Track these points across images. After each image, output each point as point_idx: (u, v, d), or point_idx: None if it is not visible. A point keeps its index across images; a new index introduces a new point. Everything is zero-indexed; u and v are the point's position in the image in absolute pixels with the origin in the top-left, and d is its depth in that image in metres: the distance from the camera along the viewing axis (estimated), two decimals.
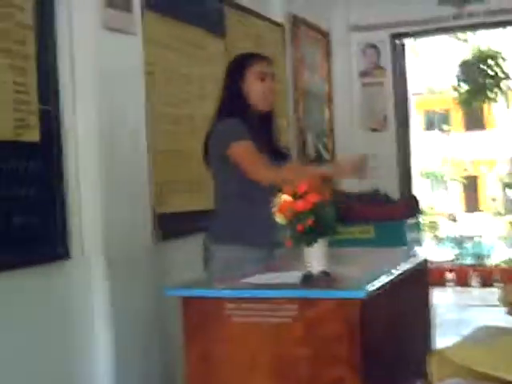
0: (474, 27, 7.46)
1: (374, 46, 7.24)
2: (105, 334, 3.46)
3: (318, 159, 6.65)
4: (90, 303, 3.47)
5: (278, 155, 3.34)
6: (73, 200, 3.42)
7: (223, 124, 3.22)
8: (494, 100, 12.83)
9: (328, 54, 7.04)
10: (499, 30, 9.21)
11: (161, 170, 4.06)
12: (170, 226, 4.08)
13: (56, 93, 3.36)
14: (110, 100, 3.58)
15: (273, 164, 3.16)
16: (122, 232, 3.60)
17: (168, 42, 4.29)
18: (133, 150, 3.76)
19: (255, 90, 3.25)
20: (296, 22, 6.27)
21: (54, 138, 3.32)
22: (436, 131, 24.23)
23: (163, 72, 4.23)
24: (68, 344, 3.36)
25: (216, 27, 4.86)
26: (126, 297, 3.55)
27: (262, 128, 3.31)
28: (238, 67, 3.30)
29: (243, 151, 3.13)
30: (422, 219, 6.65)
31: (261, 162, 3.13)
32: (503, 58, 12.41)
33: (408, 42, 7.54)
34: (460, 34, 12.27)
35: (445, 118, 24.32)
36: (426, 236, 9.75)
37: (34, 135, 3.21)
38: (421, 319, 3.47)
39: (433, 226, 10.23)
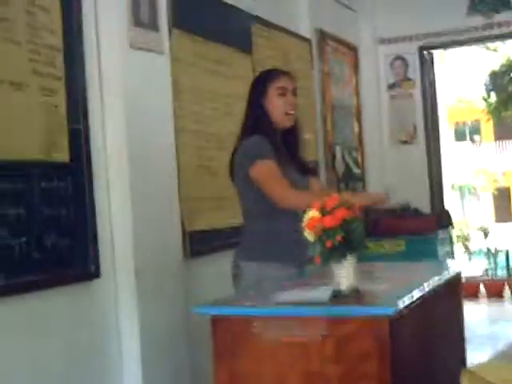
0: (503, 37, 7.39)
1: (401, 58, 7.22)
2: (133, 352, 3.48)
3: (348, 174, 6.63)
4: (119, 320, 3.49)
5: (303, 170, 3.37)
6: (103, 219, 3.44)
7: (247, 142, 3.24)
8: None
9: (356, 68, 7.04)
10: None
11: (190, 187, 4.08)
12: (200, 243, 4.09)
13: (85, 113, 3.39)
14: (138, 119, 3.61)
15: (295, 187, 3.17)
16: (151, 250, 3.61)
17: (195, 59, 4.32)
18: (162, 168, 3.78)
19: (276, 105, 3.28)
20: (323, 36, 6.28)
21: (84, 158, 3.35)
22: (467, 142, 24.04)
23: (191, 89, 4.26)
24: (98, 361, 3.38)
25: (243, 44, 4.89)
26: (155, 315, 3.56)
27: (286, 143, 3.34)
28: (259, 84, 3.35)
29: (265, 172, 3.15)
30: (453, 232, 6.59)
31: (282, 184, 3.14)
32: None
33: (437, 53, 7.50)
34: (490, 44, 12.19)
35: (475, 129, 24.12)
36: (458, 249, 9.64)
37: (64, 155, 3.24)
38: (453, 334, 3.43)
39: (464, 239, 10.13)
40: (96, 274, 3.36)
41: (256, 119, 3.28)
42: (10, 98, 2.98)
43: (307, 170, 3.41)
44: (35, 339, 3.03)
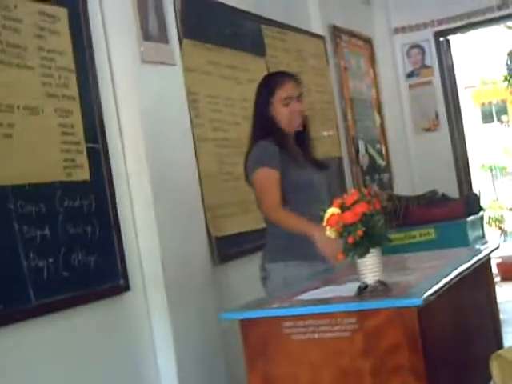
0: None
1: (418, 46, 7.20)
2: (168, 362, 3.50)
3: (373, 166, 6.62)
4: (152, 332, 3.51)
5: (319, 167, 3.47)
6: (129, 233, 3.48)
7: (254, 148, 3.33)
8: None
9: (372, 60, 7.02)
10: None
11: (213, 194, 4.10)
12: (227, 248, 4.12)
13: (102, 130, 3.43)
14: (156, 131, 3.64)
15: (283, 205, 3.23)
16: (179, 259, 3.64)
17: (208, 67, 4.35)
18: (184, 177, 3.81)
19: (281, 115, 3.35)
20: (336, 31, 6.28)
21: (104, 175, 3.39)
22: (495, 123, 23.80)
23: (207, 97, 4.29)
24: (133, 375, 3.40)
25: (255, 47, 4.91)
26: (187, 324, 3.59)
27: (301, 144, 3.45)
28: (263, 94, 3.40)
29: (261, 181, 3.25)
30: (484, 215, 6.53)
31: (273, 199, 3.22)
32: None
33: (454, 37, 7.45)
34: (509, 23, 12.05)
35: (502, 109, 23.87)
36: (492, 231, 9.55)
37: (84, 174, 3.28)
38: (487, 318, 3.42)
39: (498, 220, 10.03)
40: (125, 288, 3.39)
41: (263, 126, 3.36)
42: (26, 122, 3.03)
43: (322, 166, 3.50)
44: (70, 357, 3.06)
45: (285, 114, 3.34)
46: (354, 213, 2.59)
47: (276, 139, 3.31)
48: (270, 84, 3.42)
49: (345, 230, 2.59)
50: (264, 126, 3.35)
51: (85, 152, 3.30)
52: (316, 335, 2.53)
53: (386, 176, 6.85)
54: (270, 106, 3.35)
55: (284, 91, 3.36)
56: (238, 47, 4.69)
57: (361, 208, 2.62)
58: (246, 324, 2.61)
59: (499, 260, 8.49)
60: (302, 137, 3.46)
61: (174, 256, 3.60)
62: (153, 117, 3.65)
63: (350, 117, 6.30)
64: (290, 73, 3.53)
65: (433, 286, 2.58)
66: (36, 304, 2.90)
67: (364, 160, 6.45)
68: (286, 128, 3.37)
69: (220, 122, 4.37)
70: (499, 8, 6.92)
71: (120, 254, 3.39)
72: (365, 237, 2.60)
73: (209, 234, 3.98)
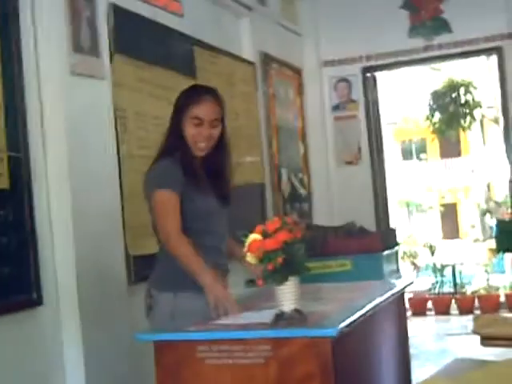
0: (443, 58, 7.57)
1: (345, 80, 7.32)
2: (76, 381, 3.43)
3: (294, 195, 6.68)
4: (63, 348, 3.45)
5: (223, 198, 3.19)
6: (45, 246, 3.41)
7: (156, 166, 3.10)
8: (468, 128, 12.99)
9: (300, 90, 7.11)
10: (470, 60, 9.34)
11: (135, 212, 4.05)
12: (145, 268, 4.05)
13: (25, 139, 3.37)
14: (80, 145, 3.60)
15: (182, 232, 2.98)
16: (95, 276, 3.59)
17: (138, 84, 4.32)
18: (106, 193, 3.77)
19: (188, 133, 3.09)
20: (267, 59, 6.34)
21: (24, 185, 3.33)
22: (414, 160, 24.40)
23: (135, 114, 4.25)
24: None
25: (186, 67, 4.90)
26: (99, 342, 3.54)
27: (209, 169, 3.17)
28: (178, 108, 3.14)
29: (161, 204, 3.00)
30: (399, 249, 6.68)
31: (172, 226, 2.97)
32: (474, 87, 12.60)
33: (381, 74, 7.62)
34: (434, 64, 12.43)
35: (422, 147, 24.51)
36: (405, 265, 9.75)
37: (3, 183, 3.21)
38: (398, 351, 3.47)
39: (412, 255, 10.26)
40: (38, 302, 3.32)
41: (173, 142, 3.11)
42: None
43: (225, 200, 3.19)
44: None
45: (190, 135, 3.07)
46: (275, 240, 2.61)
47: (181, 158, 3.06)
48: (187, 98, 3.14)
49: (265, 257, 2.60)
50: (172, 142, 3.10)
51: (5, 160, 3.23)
52: (230, 361, 2.52)
53: (306, 205, 6.92)
54: (182, 122, 3.09)
55: (198, 110, 3.07)
56: (169, 66, 4.68)
57: (282, 236, 2.63)
58: (160, 346, 2.58)
59: (411, 295, 8.68)
60: (212, 162, 3.16)
61: (90, 272, 3.55)
62: (78, 129, 3.61)
63: (274, 144, 6.35)
64: (213, 92, 3.17)
65: (348, 317, 2.61)
66: None
67: (286, 188, 6.50)
68: (191, 148, 3.10)
69: (147, 141, 4.33)
70: (425, 49, 7.12)
71: (35, 267, 3.32)
72: (284, 264, 2.61)
73: (127, 252, 3.93)
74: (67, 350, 3.44)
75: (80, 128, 3.61)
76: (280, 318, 2.62)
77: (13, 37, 3.35)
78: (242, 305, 2.93)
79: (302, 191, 6.89)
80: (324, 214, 6.98)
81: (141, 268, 4.02)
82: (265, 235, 2.65)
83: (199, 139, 3.08)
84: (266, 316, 2.65)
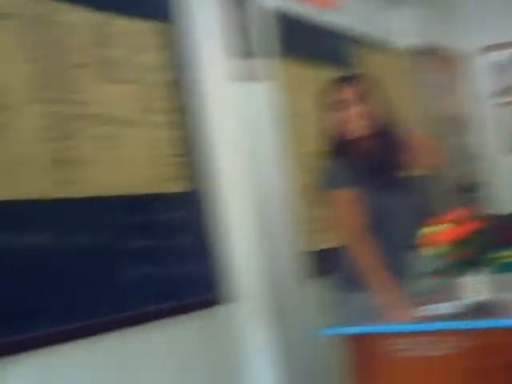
0: None
1: (505, 65, 7.06)
2: (263, 375, 3.47)
3: (461, 186, 6.50)
4: (244, 347, 3.48)
5: (394, 182, 3.04)
6: (224, 246, 3.47)
7: (327, 166, 3.05)
8: None
9: (459, 77, 6.91)
10: None
11: (307, 208, 4.07)
12: (318, 264, 4.07)
13: (199, 145, 3.44)
14: (250, 144, 3.64)
15: (361, 232, 2.88)
16: (272, 273, 3.62)
17: (301, 84, 4.33)
18: (278, 191, 3.79)
19: (335, 121, 3.02)
20: (424, 48, 6.20)
21: (201, 187, 3.40)
22: None
23: (297, 114, 4.26)
24: None
25: (344, 64, 4.86)
26: (280, 338, 3.56)
27: (379, 154, 3.04)
28: (321, 102, 3.10)
29: (338, 205, 2.93)
30: None
31: (353, 225, 2.89)
32: None
33: None
34: None
35: None
36: None
37: (181, 186, 3.29)
38: None
39: None
40: (218, 301, 3.37)
41: (337, 140, 3.05)
42: (125, 135, 3.05)
43: (400, 185, 3.05)
44: (163, 368, 3.05)
45: (337, 121, 3.00)
46: (465, 229, 2.52)
47: (351, 156, 2.99)
48: (327, 91, 3.10)
49: (455, 246, 2.51)
50: (336, 140, 3.04)
51: (183, 165, 3.31)
52: (423, 353, 2.45)
53: (474, 195, 6.71)
54: (329, 115, 3.05)
55: (332, 96, 3.03)
56: (329, 64, 4.66)
57: (471, 225, 2.54)
58: (349, 339, 2.55)
59: None
60: (382, 143, 3.01)
61: (268, 269, 3.57)
62: (246, 131, 3.65)
63: (435, 135, 6.19)
64: (350, 76, 3.19)
65: None
66: (129, 314, 2.90)
67: (452, 177, 6.33)
68: (345, 135, 3.00)
69: (311, 139, 4.32)
70: None
71: (214, 267, 3.38)
72: (473, 254, 2.53)
73: (303, 247, 3.95)
74: (250, 348, 3.47)
75: (247, 129, 3.66)
76: (473, 309, 2.53)
77: (175, 47, 3.42)
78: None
79: (470, 180, 6.70)
80: (493, 203, 6.75)
81: (317, 263, 4.03)
82: (452, 224, 2.57)
83: (347, 121, 2.99)
84: (458, 307, 2.57)
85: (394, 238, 2.96)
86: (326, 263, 4.12)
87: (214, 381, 3.29)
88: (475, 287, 2.57)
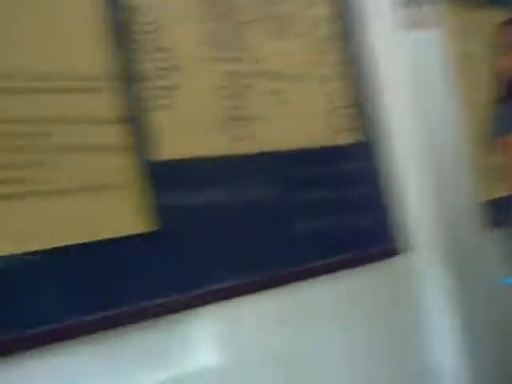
0: None
1: None
2: (445, 326, 3.45)
3: None
4: (424, 297, 3.47)
5: None
6: (400, 197, 3.46)
7: (497, 113, 2.93)
8: None
9: None
10: None
11: (481, 156, 3.96)
12: (493, 213, 3.96)
13: (369, 95, 3.44)
14: (421, 95, 3.59)
15: None
16: (448, 224, 3.57)
17: (471, 29, 4.19)
18: (450, 138, 3.74)
19: (505, 65, 2.89)
20: None
21: (374, 138, 3.41)
22: None
23: (470, 61, 4.14)
24: (407, 345, 3.38)
25: None
26: (461, 290, 3.51)
27: None
28: (490, 48, 2.99)
29: (510, 153, 2.82)
30: None
31: None
32: None
33: None
34: None
35: None
36: None
37: (354, 137, 3.31)
38: None
39: None
40: (393, 252, 3.37)
41: (500, 84, 2.93)
42: (295, 89, 3.10)
43: None
44: (334, 322, 3.09)
45: (507, 64, 2.87)
46: None
47: None
48: (496, 36, 2.99)
49: None
50: (501, 83, 2.93)
51: (354, 116, 3.33)
52: None
53: None
54: (499, 59, 2.93)
55: (503, 35, 2.90)
56: (498, 7, 4.47)
57: None
58: None
59: None
60: None
61: (444, 219, 3.53)
62: (416, 80, 3.59)
63: None
64: None
65: None
66: (310, 266, 2.96)
67: None
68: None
69: (481, 85, 4.19)
70: None
71: (389, 217, 3.38)
72: None
73: (477, 196, 3.86)
74: (430, 297, 3.46)
75: (418, 78, 3.60)
76: None
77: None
78: None
79: None
80: None
81: (492, 212, 3.92)
82: None
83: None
84: None
85: None
86: (501, 213, 4.02)
87: (393, 332, 3.31)
88: None
